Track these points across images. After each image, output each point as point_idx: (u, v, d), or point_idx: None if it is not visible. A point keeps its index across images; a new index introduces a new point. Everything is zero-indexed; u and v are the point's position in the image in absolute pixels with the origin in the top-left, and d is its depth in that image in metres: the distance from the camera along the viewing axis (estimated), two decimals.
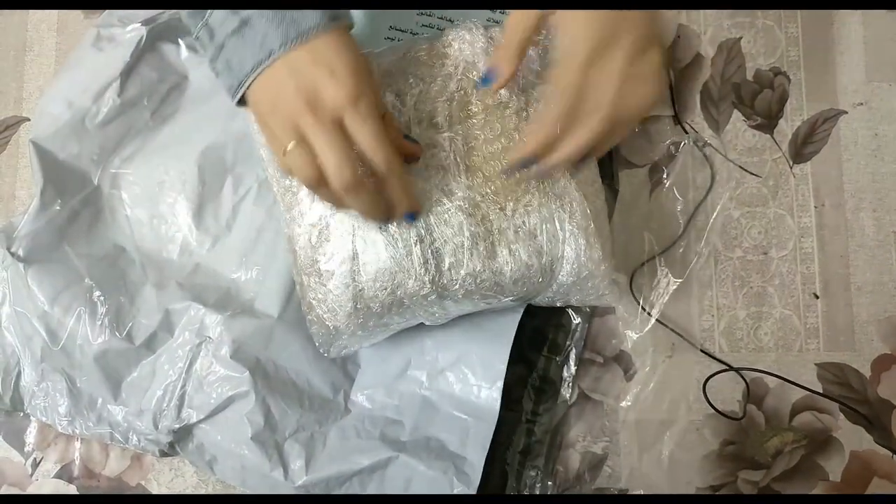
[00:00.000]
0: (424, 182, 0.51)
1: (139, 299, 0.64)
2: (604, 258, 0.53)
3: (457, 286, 0.51)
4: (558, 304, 0.58)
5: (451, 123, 0.52)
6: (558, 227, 0.51)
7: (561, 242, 0.52)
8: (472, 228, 0.50)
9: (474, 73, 0.53)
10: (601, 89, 0.45)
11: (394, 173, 0.46)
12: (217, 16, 0.45)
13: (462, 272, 0.51)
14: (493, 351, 0.62)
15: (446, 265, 0.50)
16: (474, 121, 0.52)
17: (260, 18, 0.44)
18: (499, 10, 0.67)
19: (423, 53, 0.54)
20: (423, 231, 0.50)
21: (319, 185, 0.45)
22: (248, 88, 0.45)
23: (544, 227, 0.51)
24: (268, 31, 0.44)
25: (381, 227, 0.50)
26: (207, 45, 0.46)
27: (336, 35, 0.45)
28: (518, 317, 0.62)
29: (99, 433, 0.63)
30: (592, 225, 0.52)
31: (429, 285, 0.51)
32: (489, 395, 0.61)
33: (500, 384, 0.61)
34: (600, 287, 0.55)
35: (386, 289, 0.51)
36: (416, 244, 0.50)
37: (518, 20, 0.47)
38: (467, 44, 0.53)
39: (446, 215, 0.50)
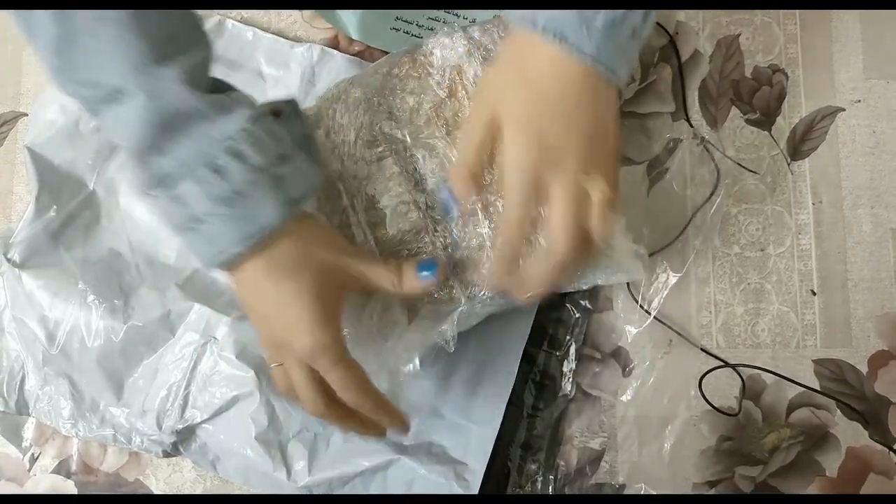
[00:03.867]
0: (437, 192, 0.51)
1: (135, 301, 0.64)
2: (624, 232, 0.53)
3: (484, 295, 0.51)
4: (584, 287, 0.57)
5: (449, 131, 0.52)
6: None
7: None
8: (490, 231, 0.50)
9: (462, 76, 0.52)
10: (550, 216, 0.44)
11: (366, 407, 0.46)
12: (164, 205, 0.41)
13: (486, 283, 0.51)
14: (499, 368, 0.63)
15: (473, 277, 0.51)
16: None
17: (213, 217, 0.40)
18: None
19: (407, 67, 0.53)
20: (448, 242, 0.51)
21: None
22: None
23: None
24: (222, 231, 0.40)
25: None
26: (161, 219, 0.42)
27: (293, 233, 0.42)
28: (524, 339, 0.63)
29: (102, 435, 0.63)
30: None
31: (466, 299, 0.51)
32: (494, 404, 0.62)
33: (506, 398, 0.62)
34: (624, 261, 0.53)
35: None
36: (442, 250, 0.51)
37: (468, 150, 0.45)
38: (449, 49, 0.52)
39: (476, 245, 0.51)
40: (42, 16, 0.39)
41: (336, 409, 0.46)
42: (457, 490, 0.60)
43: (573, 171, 0.42)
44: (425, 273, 0.47)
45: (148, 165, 0.41)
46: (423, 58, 0.53)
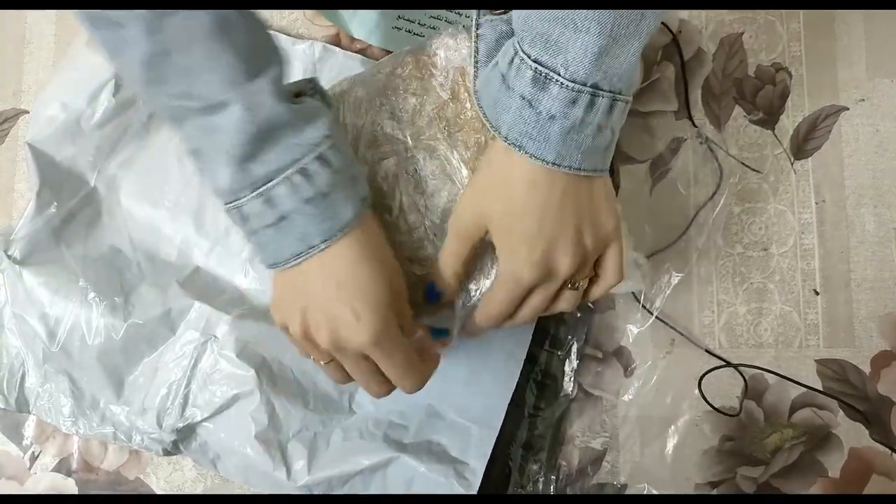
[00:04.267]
0: (436, 195, 0.51)
1: (135, 298, 0.64)
2: (626, 237, 0.53)
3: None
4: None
5: (451, 132, 0.52)
6: None
7: None
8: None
9: (465, 78, 0.52)
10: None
11: (421, 382, 0.49)
12: (252, 206, 0.44)
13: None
14: (501, 368, 0.63)
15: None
16: (476, 124, 0.52)
17: (299, 216, 0.44)
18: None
19: (411, 67, 0.53)
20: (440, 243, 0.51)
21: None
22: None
23: None
24: (307, 227, 0.44)
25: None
26: (237, 221, 0.46)
27: (363, 226, 0.46)
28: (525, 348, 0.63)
29: (102, 433, 0.63)
30: None
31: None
32: (496, 404, 0.61)
33: (508, 398, 0.62)
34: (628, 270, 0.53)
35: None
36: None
37: (451, 253, 0.48)
38: (453, 50, 0.52)
39: None
40: (134, 32, 0.41)
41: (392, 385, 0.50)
42: (457, 489, 0.60)
43: (562, 277, 0.46)
44: (436, 337, 0.52)
45: (243, 173, 0.43)
46: (426, 58, 0.53)
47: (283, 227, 0.44)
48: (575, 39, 0.40)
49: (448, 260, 0.48)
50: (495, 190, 0.45)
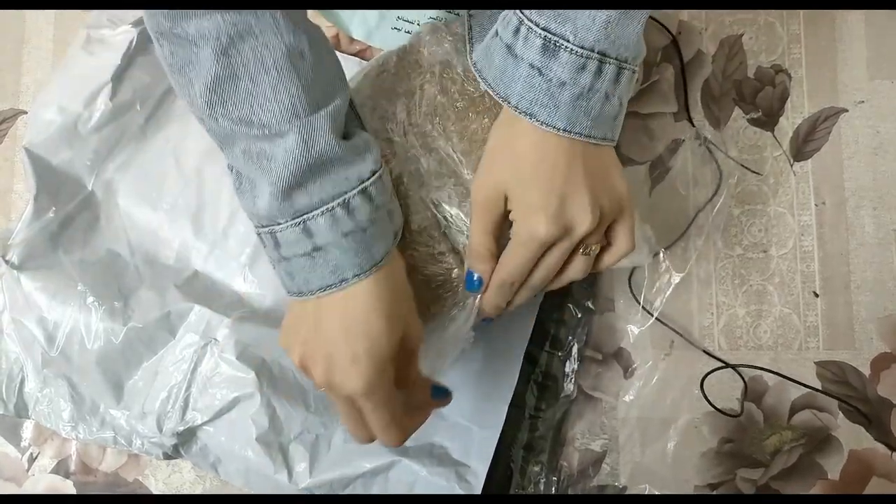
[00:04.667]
0: (442, 190, 0.51)
1: (134, 302, 0.64)
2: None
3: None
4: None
5: (445, 127, 0.52)
6: None
7: None
8: None
9: (452, 71, 0.52)
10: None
11: (404, 436, 0.48)
12: (289, 234, 0.44)
13: None
14: (501, 369, 0.63)
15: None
16: (468, 114, 0.52)
17: (335, 248, 0.44)
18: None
19: (396, 68, 0.53)
20: (450, 238, 0.51)
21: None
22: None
23: None
24: (341, 260, 0.44)
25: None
26: (268, 245, 0.46)
27: (391, 264, 0.46)
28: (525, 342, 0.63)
29: (102, 438, 0.63)
30: None
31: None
32: (496, 405, 0.61)
33: (508, 399, 0.62)
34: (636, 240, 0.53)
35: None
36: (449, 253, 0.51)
37: (479, 233, 0.47)
38: (435, 45, 0.52)
39: (465, 219, 0.50)
40: (207, 53, 0.41)
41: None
42: (459, 492, 0.60)
43: (578, 237, 0.45)
44: (437, 395, 0.51)
45: (287, 200, 0.43)
46: (410, 57, 0.53)
47: (317, 258, 0.44)
48: (583, 8, 0.41)
49: (478, 238, 0.47)
50: (507, 159, 0.45)
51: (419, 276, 0.51)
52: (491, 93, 0.45)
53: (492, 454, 0.61)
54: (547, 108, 0.43)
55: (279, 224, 0.44)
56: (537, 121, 0.43)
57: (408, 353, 0.47)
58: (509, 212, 0.46)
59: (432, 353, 0.51)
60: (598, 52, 0.42)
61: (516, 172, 0.45)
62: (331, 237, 0.43)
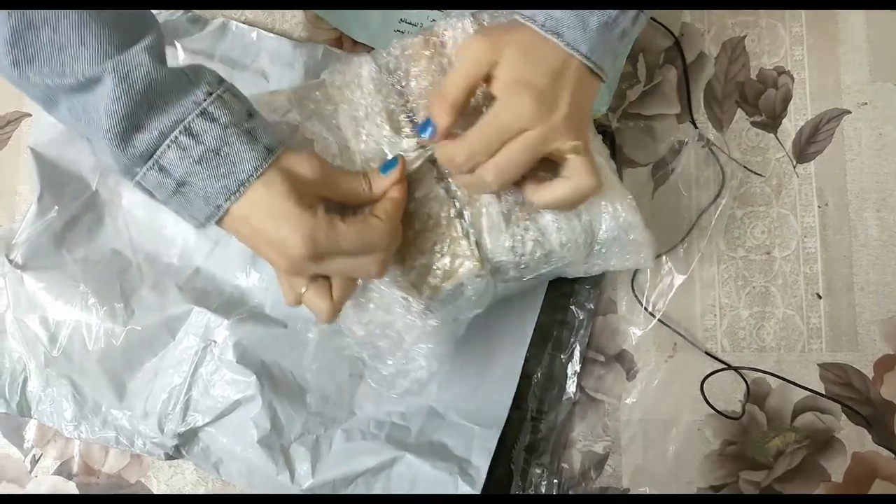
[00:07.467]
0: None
1: (135, 303, 0.64)
2: (637, 209, 0.53)
3: (504, 259, 0.51)
4: (595, 272, 0.57)
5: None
6: None
7: (598, 198, 0.51)
8: (503, 210, 0.50)
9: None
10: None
11: (392, 228, 0.47)
12: (150, 179, 0.43)
13: (504, 247, 0.51)
14: (502, 370, 0.63)
15: (489, 247, 0.51)
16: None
17: (195, 178, 0.43)
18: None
19: (419, 46, 0.53)
20: (466, 224, 0.51)
21: (337, 315, 0.48)
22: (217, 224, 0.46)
23: None
24: (207, 189, 0.43)
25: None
26: (149, 196, 0.45)
27: (272, 172, 0.44)
28: (526, 343, 0.63)
29: (104, 437, 0.63)
30: (619, 183, 0.53)
31: (481, 264, 0.51)
32: (498, 402, 0.61)
33: (509, 400, 0.62)
34: (638, 242, 0.53)
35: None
36: (464, 237, 0.51)
37: (459, 79, 0.47)
38: (460, 31, 0.53)
39: (478, 203, 0.51)
40: None
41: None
42: (461, 486, 0.59)
43: (556, 126, 0.45)
44: (387, 170, 0.49)
45: (131, 145, 0.42)
46: (434, 38, 0.53)
47: (186, 194, 0.43)
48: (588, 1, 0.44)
49: (452, 87, 0.47)
50: (510, 37, 0.46)
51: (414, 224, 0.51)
52: (516, 15, 0.46)
53: (493, 450, 0.61)
54: (574, 30, 0.45)
55: (138, 172, 0.43)
56: (563, 41, 0.45)
57: (330, 188, 0.47)
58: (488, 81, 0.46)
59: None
60: None
61: (517, 49, 0.45)
62: (185, 168, 0.42)
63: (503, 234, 0.51)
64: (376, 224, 0.46)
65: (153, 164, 0.43)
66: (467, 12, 0.53)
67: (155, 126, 0.42)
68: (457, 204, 0.51)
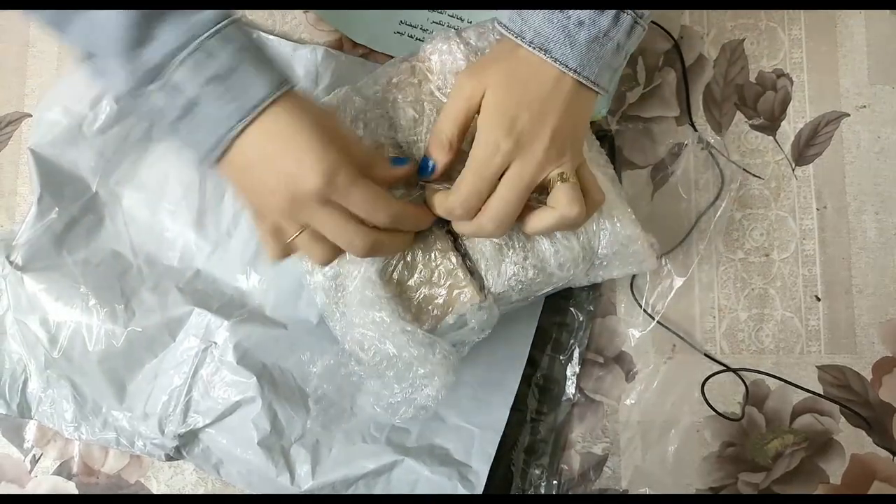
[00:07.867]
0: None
1: (135, 304, 0.64)
2: (636, 221, 0.53)
3: (505, 289, 0.51)
4: (598, 280, 0.57)
5: None
6: None
7: (595, 215, 0.52)
8: (500, 240, 0.51)
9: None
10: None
11: (398, 219, 0.46)
12: (157, 100, 0.42)
13: (504, 277, 0.51)
14: (503, 372, 0.63)
15: (490, 279, 0.51)
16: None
17: (206, 98, 0.41)
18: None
19: (406, 74, 0.53)
20: (462, 253, 0.51)
21: (336, 258, 0.47)
22: (217, 160, 0.44)
23: None
24: (218, 111, 0.42)
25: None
26: (154, 124, 0.44)
27: (288, 103, 0.43)
28: (528, 346, 0.63)
29: (105, 438, 0.63)
30: (617, 194, 0.53)
31: (482, 295, 0.51)
32: (498, 405, 0.62)
33: (510, 402, 0.62)
34: (640, 251, 0.53)
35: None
36: (460, 268, 0.51)
37: (448, 120, 0.47)
38: (447, 54, 0.52)
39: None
40: None
41: (380, 241, 0.46)
42: (461, 491, 0.60)
43: (536, 159, 0.45)
44: (398, 165, 0.49)
45: (138, 61, 0.41)
46: (420, 64, 0.53)
47: (195, 116, 0.42)
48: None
49: (445, 125, 0.47)
50: (499, 67, 0.46)
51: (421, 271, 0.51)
52: (503, 31, 0.46)
53: (493, 454, 0.61)
54: (562, 46, 0.44)
55: (143, 94, 0.41)
56: (551, 57, 0.44)
57: (353, 153, 0.45)
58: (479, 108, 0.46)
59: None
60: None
61: (502, 78, 0.45)
62: (196, 87, 0.41)
63: (503, 264, 0.51)
64: (393, 202, 0.45)
65: (164, 83, 0.41)
66: (452, 32, 0.53)
67: (166, 38, 0.41)
68: (452, 237, 0.52)
